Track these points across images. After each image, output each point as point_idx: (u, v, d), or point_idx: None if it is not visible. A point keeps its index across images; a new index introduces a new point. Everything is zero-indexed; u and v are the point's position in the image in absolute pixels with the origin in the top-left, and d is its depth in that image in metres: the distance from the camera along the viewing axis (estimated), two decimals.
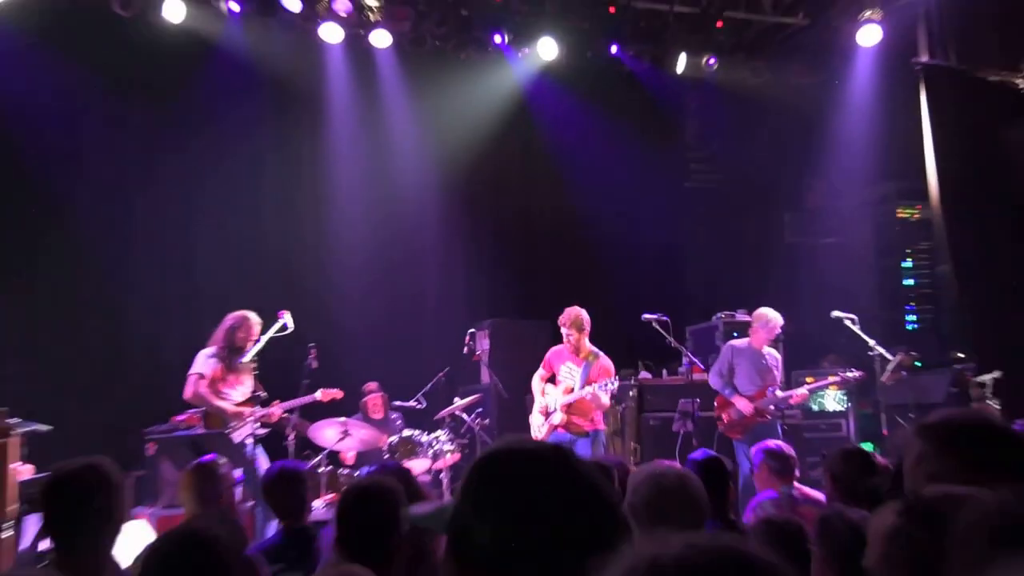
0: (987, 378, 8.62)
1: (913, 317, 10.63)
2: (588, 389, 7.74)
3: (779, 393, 8.28)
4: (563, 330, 7.96)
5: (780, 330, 8.37)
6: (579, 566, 1.23)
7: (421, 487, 3.78)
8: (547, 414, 7.97)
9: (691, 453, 4.75)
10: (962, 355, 9.19)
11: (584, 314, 7.85)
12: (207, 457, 4.90)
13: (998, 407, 8.31)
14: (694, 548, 1.02)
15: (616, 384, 7.89)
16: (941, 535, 1.52)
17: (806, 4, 9.91)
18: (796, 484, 5.16)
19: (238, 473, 6.06)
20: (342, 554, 3.11)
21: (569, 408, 7.80)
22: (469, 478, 1.42)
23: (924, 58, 9.26)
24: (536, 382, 8.15)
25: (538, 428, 8.02)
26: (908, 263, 10.70)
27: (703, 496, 3.12)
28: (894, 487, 3.32)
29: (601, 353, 7.89)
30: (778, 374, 8.38)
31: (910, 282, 10.71)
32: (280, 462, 6.41)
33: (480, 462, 1.44)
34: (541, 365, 8.17)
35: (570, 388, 7.84)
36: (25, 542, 5.72)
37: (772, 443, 5.58)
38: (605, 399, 7.87)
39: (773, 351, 8.43)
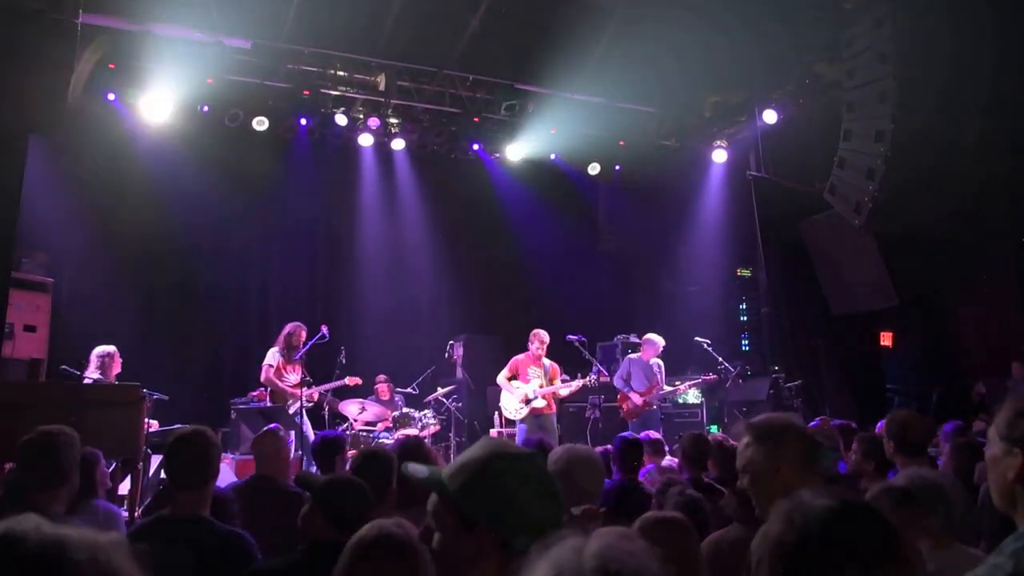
0: (792, 385, 9.04)
1: (746, 342, 10.68)
2: (560, 386, 8.01)
3: (666, 388, 8.57)
4: (535, 344, 7.99)
5: (662, 347, 8.65)
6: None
7: (430, 450, 3.83)
8: (527, 401, 7.92)
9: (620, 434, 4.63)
10: (776, 368, 9.49)
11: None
12: (273, 425, 4.98)
13: (800, 405, 8.63)
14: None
15: (578, 384, 8.10)
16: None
17: (678, 133, 10.16)
18: (669, 458, 5.42)
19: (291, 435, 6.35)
20: None
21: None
22: (467, 467, 1.43)
23: (754, 172, 9.50)
24: (504, 380, 8.05)
25: (516, 411, 7.95)
26: (743, 306, 10.77)
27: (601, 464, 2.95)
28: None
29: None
30: (661, 377, 8.61)
31: (744, 318, 10.78)
32: (322, 432, 6.49)
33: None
34: (507, 368, 8.04)
35: (542, 384, 7.94)
36: (150, 471, 6.02)
37: (652, 433, 5.80)
38: (565, 392, 8.16)
39: (658, 361, 8.61)
